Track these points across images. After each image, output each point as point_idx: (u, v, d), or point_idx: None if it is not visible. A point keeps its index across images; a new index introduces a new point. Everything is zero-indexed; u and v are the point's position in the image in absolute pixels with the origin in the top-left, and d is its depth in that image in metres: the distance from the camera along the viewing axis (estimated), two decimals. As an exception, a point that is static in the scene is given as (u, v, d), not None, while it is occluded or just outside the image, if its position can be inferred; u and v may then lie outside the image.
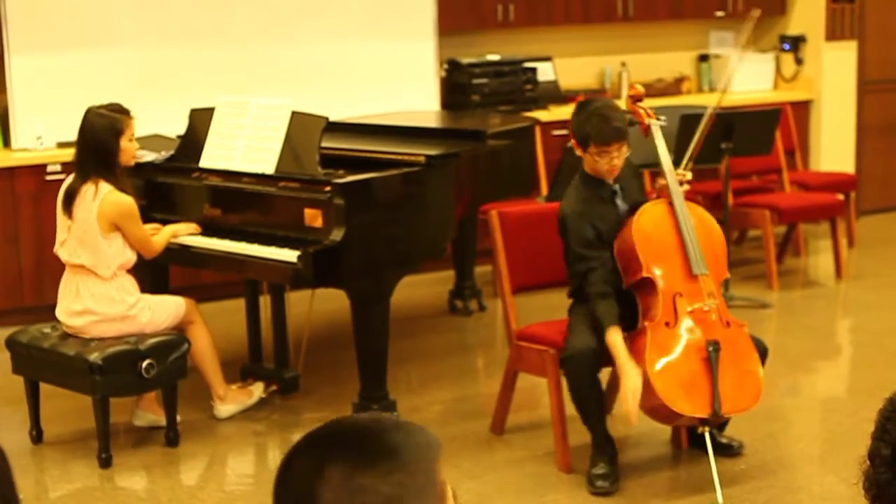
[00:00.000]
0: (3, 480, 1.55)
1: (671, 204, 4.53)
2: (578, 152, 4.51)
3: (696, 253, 4.45)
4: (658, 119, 4.76)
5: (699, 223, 4.57)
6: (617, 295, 4.41)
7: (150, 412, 5.05)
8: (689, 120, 6.55)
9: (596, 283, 4.39)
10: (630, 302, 4.45)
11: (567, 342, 4.43)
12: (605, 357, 4.34)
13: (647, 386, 4.25)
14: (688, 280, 4.43)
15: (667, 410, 4.26)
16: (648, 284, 4.42)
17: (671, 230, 4.49)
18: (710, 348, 4.28)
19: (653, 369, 4.25)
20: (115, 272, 4.80)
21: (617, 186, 4.54)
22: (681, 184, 4.61)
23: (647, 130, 4.75)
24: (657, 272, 4.41)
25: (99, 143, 4.73)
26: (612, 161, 4.43)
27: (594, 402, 4.40)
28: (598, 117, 4.39)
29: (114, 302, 4.79)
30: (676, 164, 4.84)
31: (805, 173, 8.21)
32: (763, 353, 4.49)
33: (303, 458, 1.39)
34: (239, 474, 4.79)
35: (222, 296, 6.70)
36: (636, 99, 4.83)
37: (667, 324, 4.35)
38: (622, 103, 5.12)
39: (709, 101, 8.08)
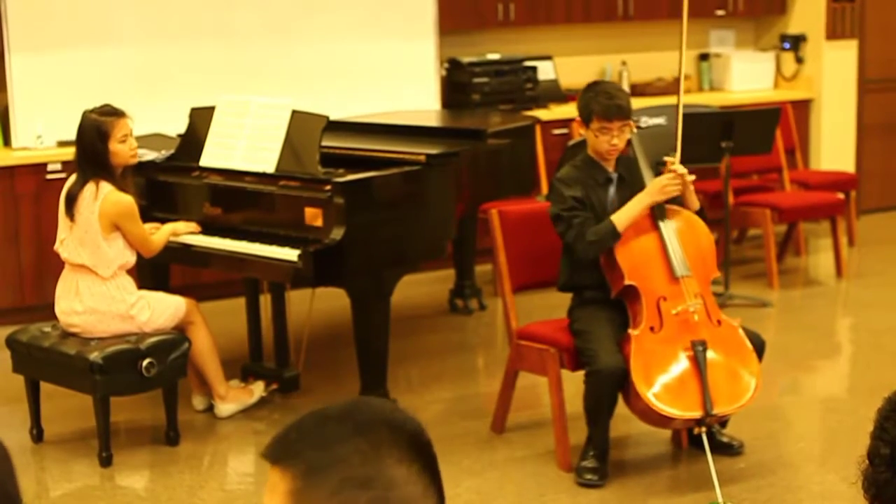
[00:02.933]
0: (5, 476, 1.55)
1: (651, 207, 4.50)
2: (582, 130, 4.57)
3: (677, 255, 4.45)
4: (639, 125, 4.76)
5: (682, 224, 4.55)
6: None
7: (202, 394, 5.18)
8: (690, 121, 6.54)
9: (581, 232, 4.43)
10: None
11: (593, 355, 4.35)
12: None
13: (636, 392, 4.26)
14: (671, 283, 4.43)
15: (656, 415, 4.27)
16: (632, 291, 4.42)
17: (651, 234, 4.49)
18: (698, 348, 4.29)
19: (639, 376, 4.25)
20: (115, 272, 4.81)
21: (615, 175, 4.56)
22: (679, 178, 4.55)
23: None
24: (638, 278, 4.41)
25: (89, 146, 4.76)
26: (611, 140, 4.46)
27: (608, 415, 4.41)
28: (603, 94, 4.48)
29: (114, 301, 4.79)
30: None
31: (805, 172, 8.21)
32: (760, 347, 4.48)
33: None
34: (239, 473, 4.79)
35: (222, 295, 6.70)
36: None
37: (651, 328, 4.35)
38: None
39: (709, 101, 8.11)
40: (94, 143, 4.75)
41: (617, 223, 4.42)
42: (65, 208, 4.80)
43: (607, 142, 4.47)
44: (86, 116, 4.81)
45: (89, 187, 4.74)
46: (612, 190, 4.56)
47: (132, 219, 4.79)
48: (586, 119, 4.51)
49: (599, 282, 4.52)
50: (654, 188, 4.45)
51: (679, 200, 4.57)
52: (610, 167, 4.56)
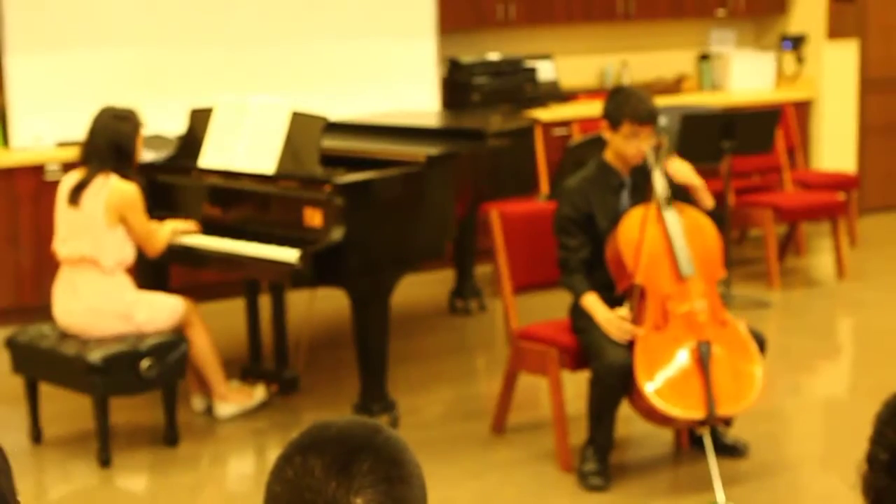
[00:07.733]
0: (2, 476, 1.54)
1: (658, 206, 4.50)
2: (607, 135, 4.52)
3: (684, 254, 4.43)
4: None
5: (689, 223, 4.53)
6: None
7: (201, 395, 5.18)
8: (691, 121, 6.54)
9: (566, 264, 4.50)
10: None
11: (600, 349, 4.36)
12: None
13: (639, 391, 4.25)
14: (677, 282, 4.42)
15: (660, 415, 4.26)
16: (638, 290, 4.41)
17: (658, 233, 4.46)
18: (703, 348, 4.27)
19: (643, 375, 4.24)
20: (115, 267, 4.80)
21: (628, 180, 4.54)
22: None
23: None
24: (645, 277, 4.40)
25: (123, 143, 4.79)
26: (640, 144, 4.44)
27: (613, 412, 4.39)
28: (635, 98, 4.48)
29: (112, 299, 4.78)
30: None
31: (806, 172, 8.19)
32: (761, 344, 4.47)
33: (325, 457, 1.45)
34: (239, 474, 4.79)
35: (222, 296, 6.69)
36: None
37: (657, 328, 4.34)
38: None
39: (710, 100, 8.10)
40: (132, 140, 4.81)
41: (584, 299, 4.44)
42: (70, 195, 4.79)
43: (636, 146, 4.45)
44: (116, 115, 4.83)
45: (100, 177, 4.75)
46: (625, 195, 4.54)
47: (137, 209, 4.80)
48: (615, 122, 4.48)
49: (601, 281, 4.50)
50: (609, 325, 4.37)
51: (690, 199, 4.57)
52: (624, 173, 4.54)
